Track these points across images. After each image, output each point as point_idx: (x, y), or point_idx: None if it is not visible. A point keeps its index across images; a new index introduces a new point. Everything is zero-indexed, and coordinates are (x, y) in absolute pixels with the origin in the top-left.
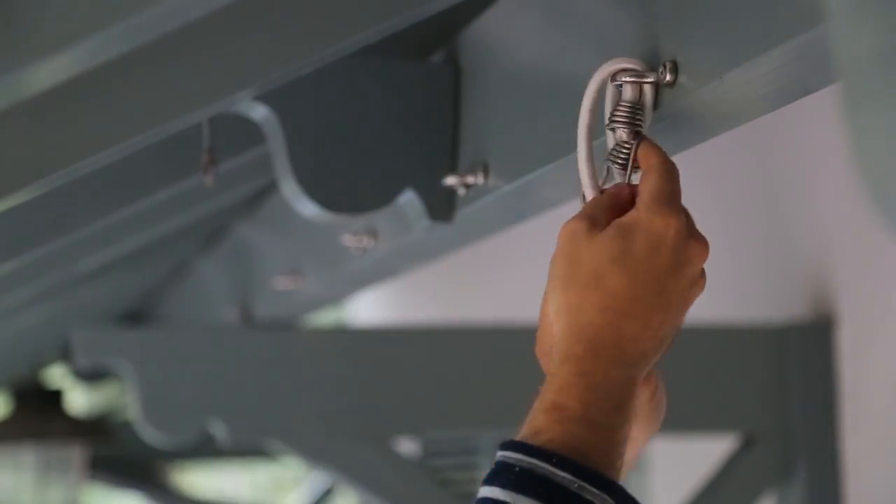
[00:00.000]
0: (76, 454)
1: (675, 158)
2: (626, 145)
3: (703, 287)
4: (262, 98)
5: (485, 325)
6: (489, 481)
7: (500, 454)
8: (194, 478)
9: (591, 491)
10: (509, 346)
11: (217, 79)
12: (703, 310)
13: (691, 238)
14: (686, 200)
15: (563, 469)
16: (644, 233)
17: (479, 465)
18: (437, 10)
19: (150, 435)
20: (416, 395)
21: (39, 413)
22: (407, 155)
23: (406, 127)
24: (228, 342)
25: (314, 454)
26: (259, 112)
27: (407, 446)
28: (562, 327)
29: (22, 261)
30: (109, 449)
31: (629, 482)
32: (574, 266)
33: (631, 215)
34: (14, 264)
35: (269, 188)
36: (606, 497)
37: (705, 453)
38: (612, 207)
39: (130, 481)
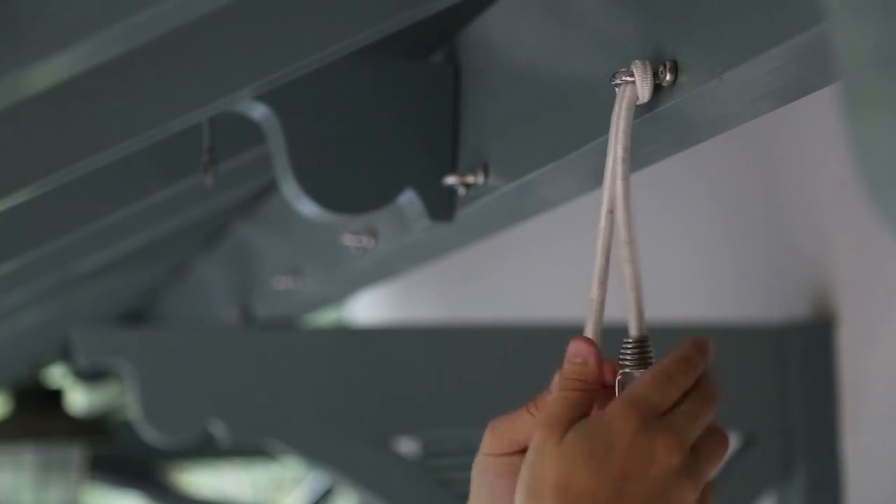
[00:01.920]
0: (76, 454)
1: (674, 158)
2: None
3: (696, 484)
4: (262, 97)
5: (485, 325)
6: None
7: None
8: (194, 478)
9: None
10: (510, 345)
11: (217, 78)
12: (703, 309)
13: (654, 434)
14: (686, 200)
15: None
16: (603, 433)
17: None
18: (437, 9)
19: (150, 435)
20: (416, 395)
21: (39, 413)
22: (407, 155)
23: (406, 127)
24: (228, 342)
25: (314, 454)
26: (259, 111)
27: (407, 446)
28: None
29: (22, 260)
30: (109, 449)
31: None
32: (539, 478)
33: (596, 414)
34: (14, 264)
35: (269, 188)
36: None
37: None
38: (585, 395)
39: (130, 481)
